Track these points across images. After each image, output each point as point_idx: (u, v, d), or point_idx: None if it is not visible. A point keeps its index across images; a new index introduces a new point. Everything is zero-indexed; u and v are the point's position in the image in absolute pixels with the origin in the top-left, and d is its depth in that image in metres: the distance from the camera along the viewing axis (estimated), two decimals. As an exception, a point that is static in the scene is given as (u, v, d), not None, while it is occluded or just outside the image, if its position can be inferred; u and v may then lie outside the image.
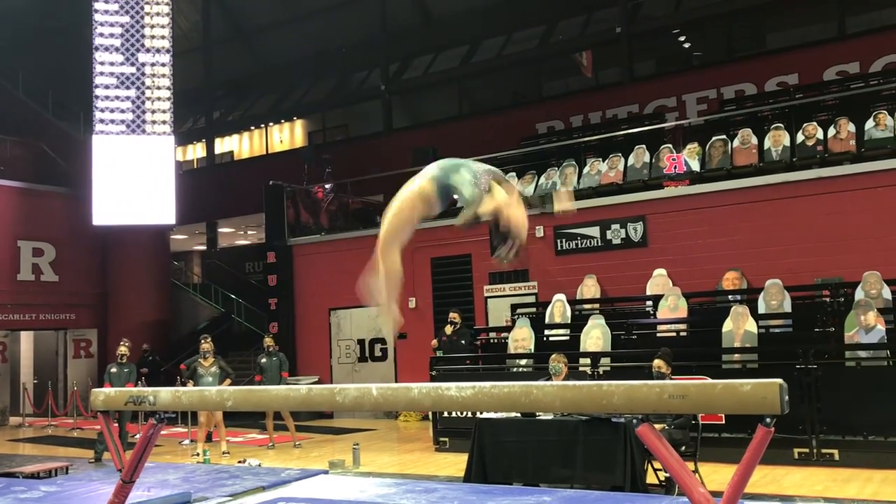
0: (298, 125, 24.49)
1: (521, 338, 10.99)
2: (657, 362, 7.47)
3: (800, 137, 11.67)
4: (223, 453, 10.84)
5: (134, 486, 5.18)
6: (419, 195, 3.95)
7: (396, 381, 14.21)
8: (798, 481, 7.56)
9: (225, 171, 24.33)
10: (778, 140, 11.75)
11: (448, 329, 11.83)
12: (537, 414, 7.23)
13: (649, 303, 11.43)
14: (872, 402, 8.14)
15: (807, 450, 8.30)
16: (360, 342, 15.44)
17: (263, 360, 11.89)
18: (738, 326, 9.58)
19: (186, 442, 12.56)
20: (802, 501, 6.47)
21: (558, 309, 11.50)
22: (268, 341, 12.21)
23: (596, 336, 10.53)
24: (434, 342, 12.12)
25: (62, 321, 19.17)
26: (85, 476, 8.12)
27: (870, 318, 8.80)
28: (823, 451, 8.25)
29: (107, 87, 17.58)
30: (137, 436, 11.07)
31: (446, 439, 10.44)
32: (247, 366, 18.03)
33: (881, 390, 8.19)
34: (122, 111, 17.63)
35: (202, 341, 11.34)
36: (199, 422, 11.26)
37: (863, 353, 8.81)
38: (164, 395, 4.93)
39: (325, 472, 7.82)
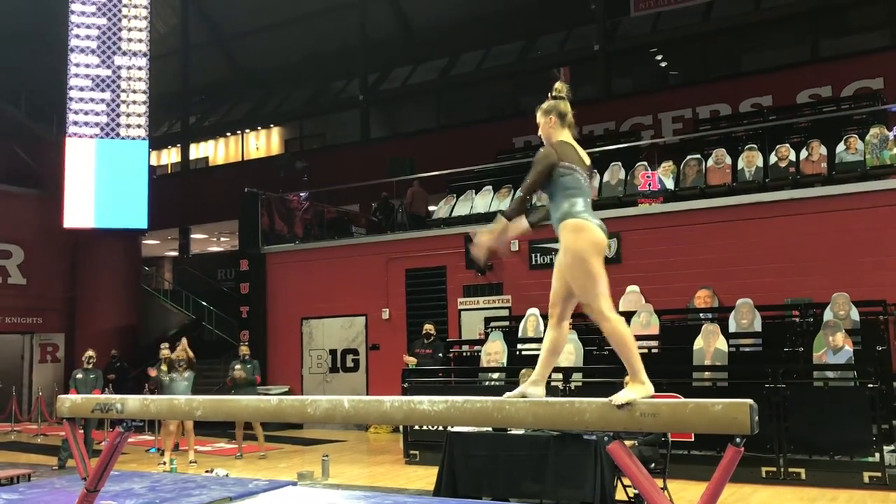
0: (275, 132, 24.41)
1: (494, 351, 10.99)
2: (628, 379, 7.49)
3: (773, 159, 11.83)
4: (190, 462, 10.71)
5: (98, 495, 5.10)
6: None
7: (368, 393, 14.15)
8: (765, 500, 7.61)
9: (199, 176, 24.17)
10: (751, 161, 11.90)
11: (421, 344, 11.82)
12: (509, 428, 7.22)
13: (621, 319, 11.46)
14: (839, 422, 8.23)
15: (774, 468, 8.36)
16: (332, 352, 15.36)
17: (237, 366, 11.90)
18: (709, 344, 9.64)
19: (153, 450, 12.39)
20: (769, 520, 6.52)
21: (531, 323, 11.51)
22: (243, 349, 12.34)
23: (568, 351, 10.54)
24: (412, 359, 11.96)
25: (29, 325, 18.88)
26: (48, 484, 7.98)
27: (838, 338, 8.90)
28: (791, 469, 8.32)
29: (81, 89, 17.40)
30: (103, 443, 10.93)
31: (417, 452, 10.39)
32: (217, 374, 17.85)
33: (848, 411, 8.27)
34: (97, 114, 17.46)
35: (178, 346, 11.41)
36: (168, 430, 11.12)
37: (830, 374, 8.90)
38: (132, 403, 4.86)
39: (294, 484, 7.74)
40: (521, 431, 7.22)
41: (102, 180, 17.36)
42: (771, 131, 12.85)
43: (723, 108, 16.25)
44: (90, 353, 11.25)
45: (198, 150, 25.57)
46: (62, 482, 7.92)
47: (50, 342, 19.32)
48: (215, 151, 25.62)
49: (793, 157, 11.69)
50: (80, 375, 10.97)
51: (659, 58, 18.91)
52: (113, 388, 14.57)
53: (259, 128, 24.56)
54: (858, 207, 10.72)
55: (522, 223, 4.04)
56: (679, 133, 15.73)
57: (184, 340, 11.59)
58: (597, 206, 12.65)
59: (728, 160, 12.18)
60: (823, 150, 11.48)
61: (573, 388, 9.69)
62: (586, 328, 11.68)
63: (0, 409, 17.27)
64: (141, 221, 17.87)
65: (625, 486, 7.16)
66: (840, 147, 11.38)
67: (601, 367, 10.29)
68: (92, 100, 17.44)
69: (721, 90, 16.62)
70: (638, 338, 10.79)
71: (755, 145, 12.16)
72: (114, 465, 5.05)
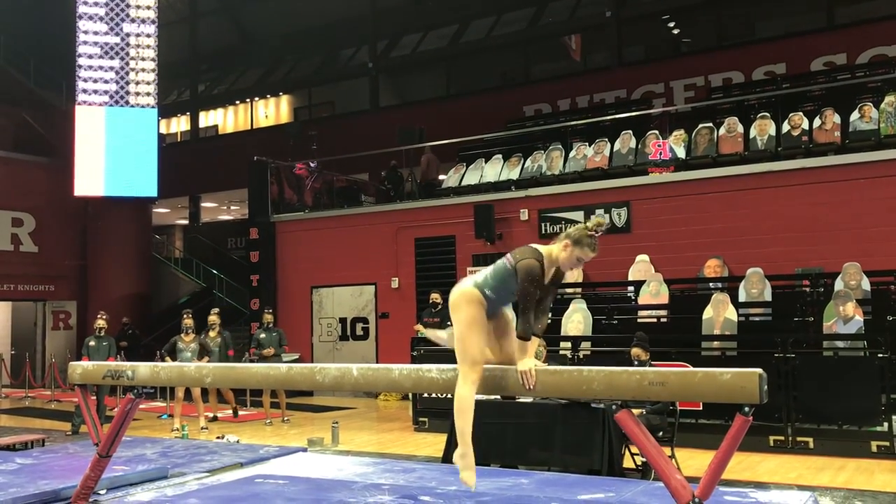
0: (284, 100, 24.30)
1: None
2: (635, 350, 7.50)
3: (785, 127, 11.71)
4: (201, 429, 10.81)
5: (111, 460, 5.16)
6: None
7: (377, 361, 14.22)
8: (773, 468, 7.64)
9: (209, 145, 24.13)
10: (764, 129, 11.78)
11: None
12: (517, 396, 7.25)
13: (631, 288, 11.48)
14: (848, 392, 8.23)
15: (782, 437, 8.38)
16: (342, 321, 15.42)
17: (262, 335, 11.86)
18: (719, 314, 9.63)
19: (164, 416, 12.52)
20: (777, 488, 6.53)
21: (540, 292, 11.49)
22: (267, 317, 12.18)
23: (577, 320, 10.56)
24: (422, 328, 12.04)
25: (41, 292, 19.03)
26: (61, 449, 8.08)
27: (848, 308, 8.87)
28: (798, 439, 8.34)
29: (90, 56, 17.34)
30: (115, 409, 11.03)
31: (425, 419, 10.46)
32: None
33: (857, 381, 8.26)
34: (106, 82, 17.42)
35: (184, 316, 11.33)
36: (193, 396, 11.19)
37: (840, 344, 8.89)
38: (143, 370, 4.91)
39: (304, 450, 7.82)
40: (529, 399, 7.24)
41: (112, 148, 17.36)
42: (784, 99, 12.70)
43: (735, 76, 16.07)
44: (102, 321, 11.28)
45: (207, 118, 25.51)
46: (75, 447, 8.02)
47: (62, 309, 19.48)
48: (224, 119, 25.55)
49: (806, 125, 11.57)
50: (92, 343, 11.01)
51: (671, 25, 18.67)
52: (125, 356, 14.70)
53: (268, 96, 24.45)
54: (872, 176, 10.61)
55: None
56: (691, 101, 15.58)
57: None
58: (608, 174, 12.72)
59: (740, 129, 12.06)
60: (837, 119, 11.35)
61: (581, 356, 9.71)
62: (595, 297, 11.70)
63: (14, 376, 17.48)
64: (151, 190, 17.90)
65: (632, 454, 7.20)
66: (854, 115, 11.25)
67: (610, 337, 10.31)
68: (101, 67, 17.39)
69: (734, 58, 16.41)
70: (647, 307, 10.81)
71: (768, 114, 12.03)
72: (125, 430, 5.11)
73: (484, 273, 4.06)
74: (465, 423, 3.94)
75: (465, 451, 3.96)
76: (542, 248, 3.99)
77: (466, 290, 3.99)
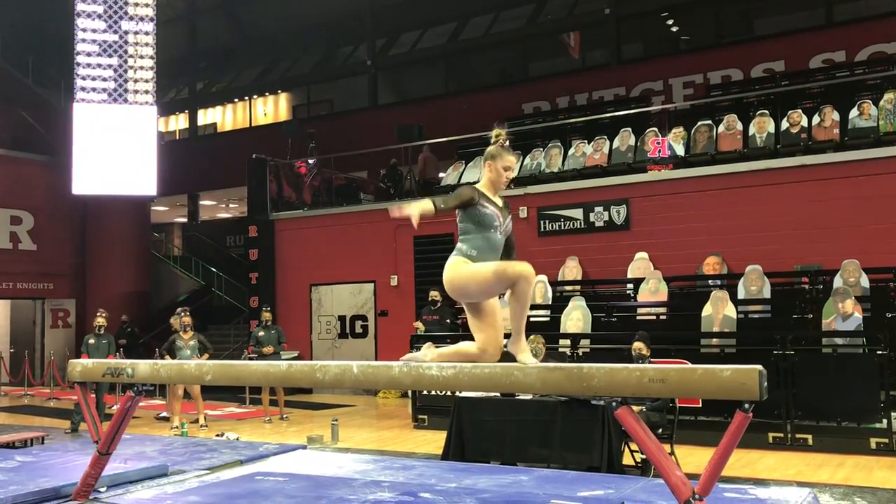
0: (283, 98, 24.28)
1: (503, 318, 10.99)
2: (637, 345, 7.52)
3: (784, 124, 11.71)
4: (201, 426, 10.81)
5: (110, 457, 5.16)
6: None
7: (377, 359, 14.22)
8: (772, 465, 7.65)
9: (207, 143, 24.11)
10: (763, 126, 11.79)
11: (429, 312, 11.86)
12: (516, 394, 7.26)
13: (630, 286, 11.48)
14: (847, 388, 8.24)
15: (781, 434, 8.40)
16: (341, 318, 15.42)
17: (261, 333, 11.80)
18: (718, 311, 9.64)
19: (164, 414, 12.51)
20: (776, 485, 6.53)
21: (539, 290, 11.52)
22: (266, 315, 12.09)
23: (576, 317, 10.57)
24: (419, 324, 12.09)
25: (40, 290, 19.02)
26: (61, 447, 8.07)
27: (847, 305, 8.88)
28: (797, 435, 8.35)
29: (88, 54, 17.31)
30: (115, 407, 11.02)
31: (425, 417, 10.47)
32: (226, 340, 17.99)
33: (856, 377, 8.28)
34: (104, 79, 17.38)
35: (182, 314, 11.30)
36: (176, 394, 11.16)
37: (839, 340, 8.89)
38: (143, 367, 4.91)
39: (304, 448, 7.82)
40: (528, 396, 7.25)
41: (111, 146, 17.33)
42: (783, 97, 12.70)
43: (734, 74, 16.07)
44: (101, 319, 11.26)
45: (205, 116, 25.49)
46: (75, 445, 8.02)
47: (61, 307, 19.47)
48: (223, 117, 25.52)
49: (805, 122, 11.57)
50: (91, 341, 11.00)
51: (670, 22, 18.66)
52: (124, 353, 14.69)
53: (267, 94, 24.43)
54: (870, 174, 10.62)
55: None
56: (690, 99, 15.58)
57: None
58: (607, 171, 12.71)
59: (739, 126, 12.06)
60: (836, 116, 11.35)
61: (581, 353, 9.72)
62: (594, 294, 11.71)
63: (13, 374, 17.47)
64: (150, 188, 17.87)
65: (632, 452, 7.21)
66: (853, 113, 11.25)
67: (609, 334, 10.31)
68: (99, 65, 17.35)
69: (733, 55, 16.41)
70: (646, 304, 10.81)
71: (767, 111, 12.03)
72: (125, 428, 5.12)
73: (457, 246, 4.32)
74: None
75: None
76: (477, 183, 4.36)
77: (453, 263, 4.21)
